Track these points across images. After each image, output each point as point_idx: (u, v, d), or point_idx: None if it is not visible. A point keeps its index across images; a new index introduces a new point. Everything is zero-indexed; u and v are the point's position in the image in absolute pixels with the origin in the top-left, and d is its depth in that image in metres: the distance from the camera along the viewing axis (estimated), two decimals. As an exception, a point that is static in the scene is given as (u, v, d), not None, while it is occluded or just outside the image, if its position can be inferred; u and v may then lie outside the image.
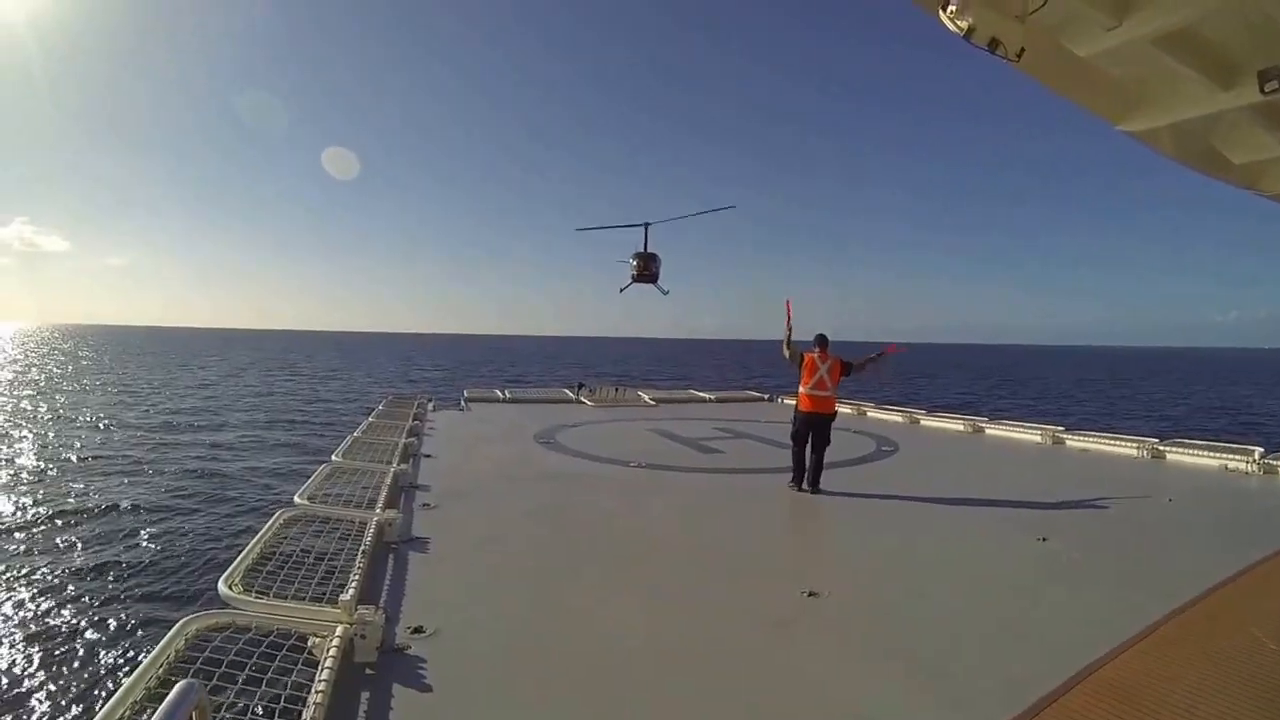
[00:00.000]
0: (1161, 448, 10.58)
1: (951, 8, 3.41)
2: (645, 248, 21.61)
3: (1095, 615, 4.30)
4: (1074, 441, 11.65)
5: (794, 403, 8.23)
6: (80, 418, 30.43)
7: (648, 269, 21.51)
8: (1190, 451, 10.34)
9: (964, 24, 3.43)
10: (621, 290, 22.19)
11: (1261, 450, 9.59)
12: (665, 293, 22.36)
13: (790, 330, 7.89)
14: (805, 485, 7.62)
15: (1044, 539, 5.92)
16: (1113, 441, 11.28)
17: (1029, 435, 12.26)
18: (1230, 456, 9.74)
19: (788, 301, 7.95)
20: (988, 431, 12.99)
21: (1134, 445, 10.78)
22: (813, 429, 7.68)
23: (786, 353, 7.96)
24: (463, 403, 15.80)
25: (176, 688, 2.51)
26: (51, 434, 25.72)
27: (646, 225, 21.61)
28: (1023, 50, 3.55)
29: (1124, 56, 3.75)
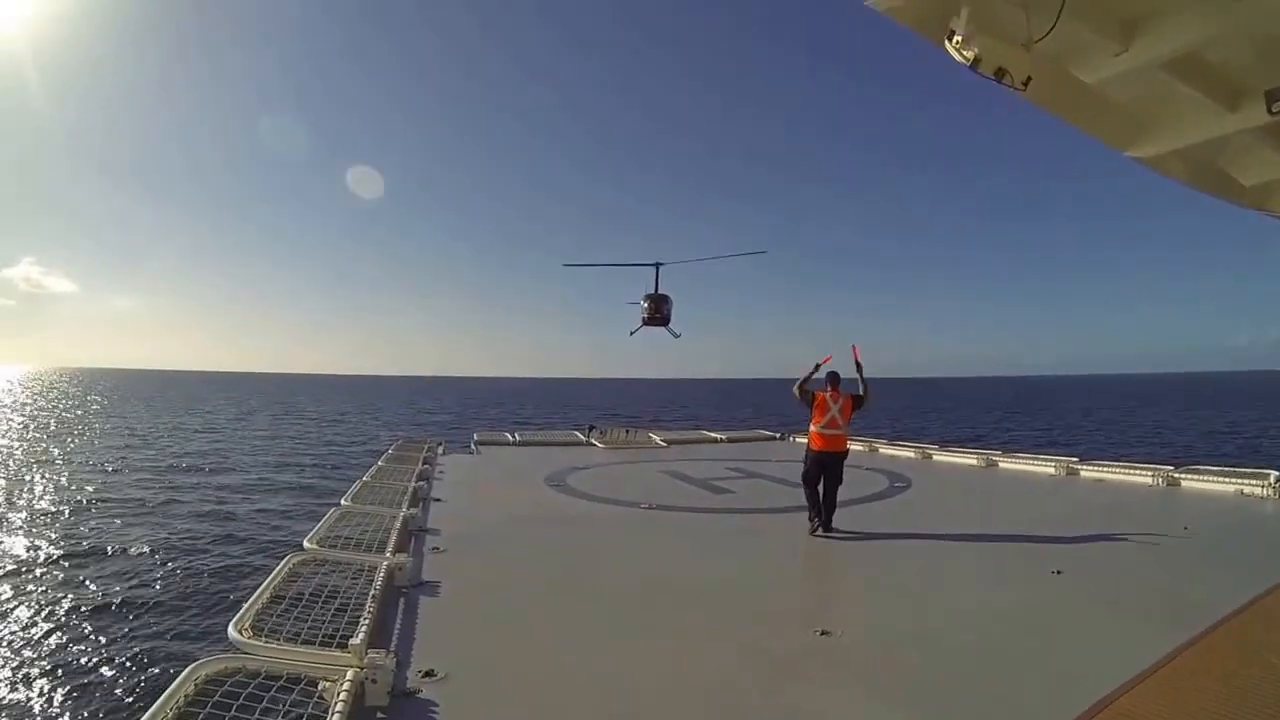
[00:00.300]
0: (1176, 475, 10.49)
1: (957, 38, 3.45)
2: (656, 289, 20.74)
3: (1112, 647, 4.26)
4: (1088, 472, 11.54)
5: (805, 441, 8.07)
6: (91, 461, 30.53)
7: (659, 311, 20.63)
8: (1205, 478, 10.28)
9: (970, 54, 3.47)
10: (632, 333, 21.39)
11: (1277, 474, 9.54)
12: (677, 335, 21.44)
13: (816, 369, 7.85)
14: (820, 527, 7.42)
15: (1058, 571, 5.86)
16: (1127, 470, 11.22)
17: (1042, 467, 12.15)
18: (1246, 481, 9.69)
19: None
20: (1001, 465, 12.88)
21: (1149, 473, 10.69)
22: (825, 468, 7.54)
23: (797, 391, 7.81)
24: (473, 446, 15.74)
25: None
26: (63, 477, 25.79)
27: (658, 266, 20.72)
28: (1029, 79, 3.58)
29: (1131, 82, 3.79)
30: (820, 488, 7.54)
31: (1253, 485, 9.49)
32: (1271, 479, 9.41)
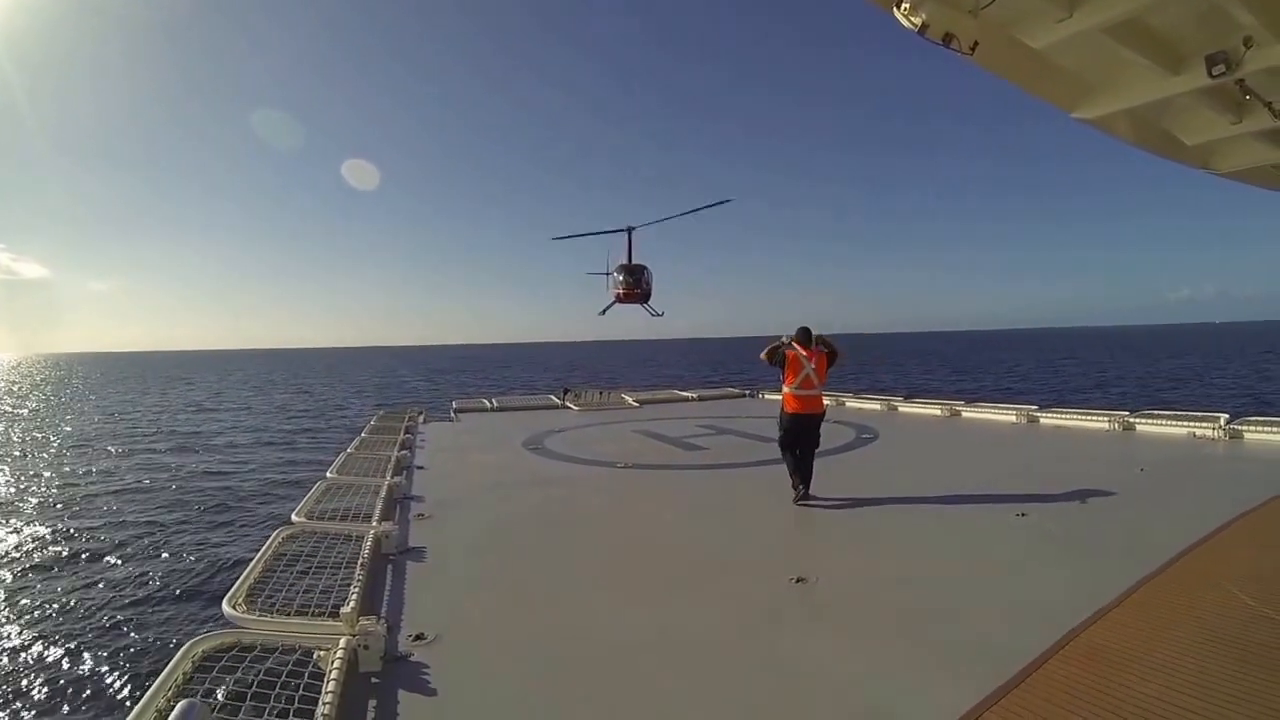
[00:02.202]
0: (1132, 420, 10.89)
1: (905, 5, 3.50)
2: (630, 258, 17.95)
3: (1076, 584, 4.42)
4: (1048, 419, 11.94)
5: (778, 399, 7.52)
6: (75, 446, 30.19)
7: (637, 286, 17.77)
8: (1159, 422, 10.68)
9: (917, 20, 3.52)
10: (601, 312, 18.61)
11: (1227, 416, 9.97)
12: (658, 314, 18.54)
13: (780, 343, 7.18)
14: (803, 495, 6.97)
15: (1023, 514, 6.08)
16: (1085, 416, 11.61)
17: (1004, 416, 12.55)
18: (1197, 424, 10.09)
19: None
20: (964, 414, 13.27)
21: (1105, 419, 11.09)
22: (801, 432, 7.06)
23: (765, 356, 7.26)
24: (452, 413, 15.86)
25: (177, 708, 2.56)
26: (49, 462, 25.55)
27: (630, 230, 18.04)
28: (976, 44, 3.66)
29: (1076, 46, 3.87)
30: (797, 453, 7.08)
31: (1204, 428, 9.89)
32: (1222, 421, 9.81)
